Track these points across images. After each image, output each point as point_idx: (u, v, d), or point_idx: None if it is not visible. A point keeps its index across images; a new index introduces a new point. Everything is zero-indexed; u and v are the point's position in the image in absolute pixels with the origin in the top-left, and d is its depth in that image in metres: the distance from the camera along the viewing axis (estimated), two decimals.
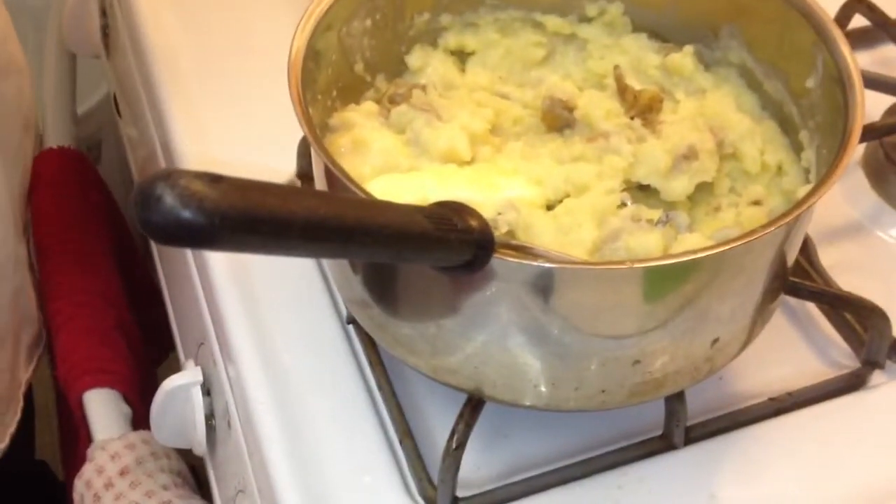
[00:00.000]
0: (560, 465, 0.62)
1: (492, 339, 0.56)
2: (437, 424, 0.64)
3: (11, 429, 0.92)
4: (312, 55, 0.62)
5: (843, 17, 0.84)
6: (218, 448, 0.74)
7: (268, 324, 0.69)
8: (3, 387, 0.90)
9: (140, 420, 0.85)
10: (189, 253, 0.77)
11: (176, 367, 0.76)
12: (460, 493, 0.60)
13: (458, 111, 0.66)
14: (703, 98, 0.68)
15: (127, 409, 0.86)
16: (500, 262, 0.51)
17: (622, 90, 0.68)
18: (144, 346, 0.99)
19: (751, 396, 0.65)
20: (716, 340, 0.58)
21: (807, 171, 0.64)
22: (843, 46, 0.61)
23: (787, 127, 0.66)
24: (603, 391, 0.58)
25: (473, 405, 0.59)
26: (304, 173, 0.76)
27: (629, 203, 0.62)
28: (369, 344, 0.67)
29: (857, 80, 0.59)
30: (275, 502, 0.61)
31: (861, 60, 0.61)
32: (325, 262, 0.71)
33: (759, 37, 0.68)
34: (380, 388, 0.65)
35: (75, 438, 0.90)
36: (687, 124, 0.65)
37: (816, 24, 0.63)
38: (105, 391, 0.87)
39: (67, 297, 0.93)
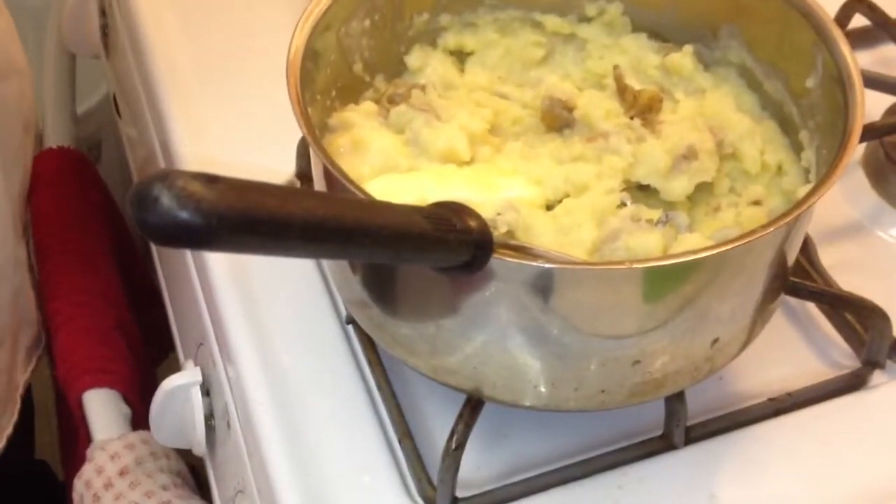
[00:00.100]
0: (560, 465, 0.62)
1: (491, 339, 0.56)
2: (437, 425, 0.64)
3: (8, 431, 0.92)
4: (311, 55, 0.62)
5: (843, 17, 0.84)
6: (217, 448, 0.74)
7: (267, 324, 0.69)
8: (1, 388, 0.90)
9: (139, 420, 0.85)
10: (188, 253, 0.77)
11: (175, 368, 0.76)
12: (460, 494, 0.60)
13: (457, 111, 0.66)
14: (703, 98, 0.68)
15: (126, 410, 0.86)
16: (500, 262, 0.51)
17: (622, 90, 0.68)
18: (144, 347, 0.99)
19: (751, 396, 0.65)
20: (716, 340, 0.58)
21: (807, 171, 0.64)
22: (844, 46, 0.61)
23: (787, 127, 0.66)
24: (603, 391, 0.58)
25: (473, 405, 0.59)
26: (304, 173, 0.76)
27: (629, 203, 0.62)
28: (369, 344, 0.67)
29: (858, 80, 0.59)
30: (274, 502, 0.61)
31: (861, 60, 0.61)
32: (325, 262, 0.71)
33: (758, 36, 0.68)
34: (379, 388, 0.65)
35: (75, 438, 0.90)
36: (686, 124, 0.65)
37: (816, 23, 0.63)
38: (104, 391, 0.87)
39: (67, 297, 0.93)
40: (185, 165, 0.79)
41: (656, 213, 0.61)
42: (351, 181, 0.54)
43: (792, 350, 0.68)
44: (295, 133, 0.64)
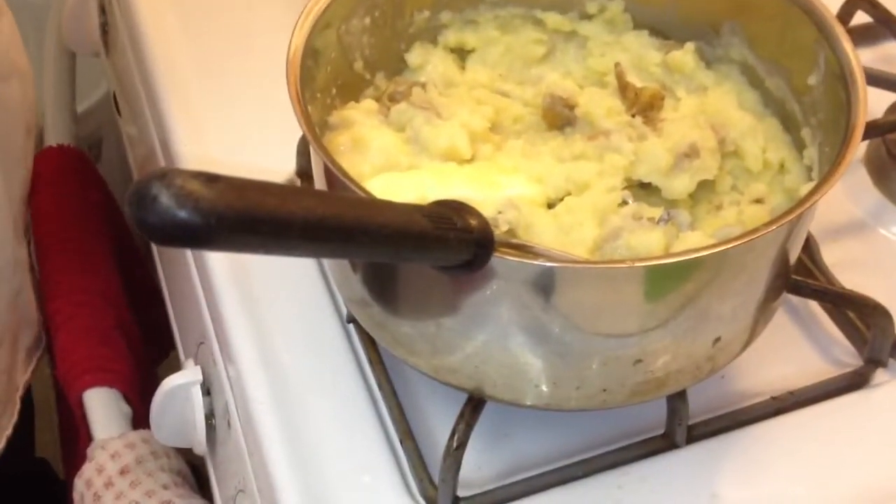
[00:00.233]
0: (561, 464, 0.62)
1: (492, 338, 0.55)
2: (438, 424, 0.64)
3: (8, 431, 0.92)
4: (311, 53, 0.62)
5: (845, 14, 0.83)
6: (218, 447, 0.74)
7: (267, 323, 0.69)
8: (0, 389, 0.90)
9: (140, 419, 0.85)
10: (189, 252, 0.77)
11: (176, 367, 0.76)
12: (461, 493, 0.60)
13: (457, 109, 0.65)
14: (705, 95, 0.68)
15: (127, 409, 0.86)
16: (501, 261, 0.51)
17: (623, 88, 0.68)
18: (144, 346, 0.99)
19: (753, 395, 0.65)
20: (718, 339, 0.57)
21: (809, 169, 0.63)
22: (846, 43, 0.61)
23: (789, 124, 0.66)
24: (604, 390, 0.58)
25: (474, 405, 0.59)
26: (304, 172, 0.76)
27: (630, 201, 0.62)
28: (369, 343, 0.67)
29: (860, 77, 0.59)
30: (275, 502, 0.61)
31: (863, 57, 0.61)
32: (325, 261, 0.71)
33: (760, 34, 0.67)
34: (380, 387, 0.65)
35: (75, 437, 0.90)
36: (688, 122, 0.64)
37: (818, 20, 0.62)
38: (105, 390, 0.87)
39: (67, 297, 0.93)
40: (184, 164, 0.79)
41: (658, 212, 0.60)
42: (351, 179, 0.54)
43: (794, 349, 0.68)
44: (295, 131, 0.64)
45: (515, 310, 0.54)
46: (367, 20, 0.67)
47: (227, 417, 0.69)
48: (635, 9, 0.71)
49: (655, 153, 0.62)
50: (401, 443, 0.63)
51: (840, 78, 0.60)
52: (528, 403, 0.59)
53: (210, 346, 0.72)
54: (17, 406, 0.93)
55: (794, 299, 0.69)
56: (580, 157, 0.64)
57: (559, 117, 0.67)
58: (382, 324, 0.60)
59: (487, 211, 0.55)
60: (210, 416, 0.73)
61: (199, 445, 0.74)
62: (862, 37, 0.84)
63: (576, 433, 0.63)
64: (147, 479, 0.77)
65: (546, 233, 0.59)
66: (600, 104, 0.66)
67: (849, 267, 0.71)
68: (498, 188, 0.61)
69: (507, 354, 0.56)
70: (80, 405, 0.86)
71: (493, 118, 0.67)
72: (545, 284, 0.53)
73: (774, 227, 0.53)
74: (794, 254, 0.60)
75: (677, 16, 0.71)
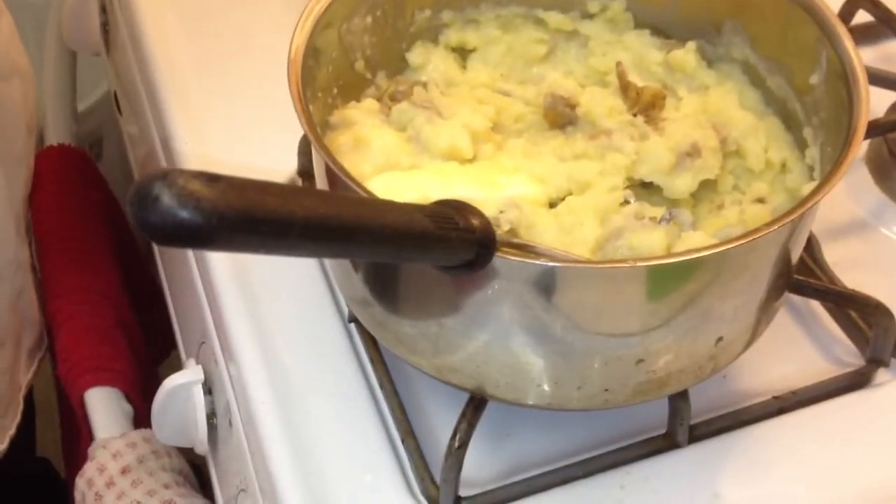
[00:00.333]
0: (563, 464, 0.62)
1: (494, 338, 0.55)
2: (440, 423, 0.64)
3: (11, 431, 0.92)
4: (312, 53, 0.62)
5: (846, 13, 0.83)
6: (219, 447, 0.74)
7: (269, 323, 0.69)
8: (2, 389, 0.90)
9: (141, 419, 0.85)
10: (190, 252, 0.77)
11: (177, 366, 0.76)
12: (463, 493, 0.60)
13: (459, 108, 0.65)
14: (706, 95, 0.68)
15: (128, 408, 0.86)
16: (503, 260, 0.51)
17: (624, 87, 0.68)
18: (145, 345, 0.99)
19: (755, 395, 0.65)
20: (719, 339, 0.57)
21: (811, 169, 0.63)
22: (847, 42, 0.61)
23: (791, 124, 0.66)
24: (606, 390, 0.58)
25: (476, 404, 0.59)
26: (305, 171, 0.76)
27: (632, 201, 0.62)
28: (371, 343, 0.67)
29: (862, 77, 0.59)
30: (276, 501, 0.61)
31: (864, 56, 0.61)
32: (327, 261, 0.71)
33: (762, 33, 0.67)
34: (381, 386, 0.65)
35: (77, 437, 0.90)
36: (690, 121, 0.64)
37: (820, 19, 0.62)
38: (106, 390, 0.87)
39: (68, 296, 0.93)
40: (185, 163, 0.79)
41: (659, 211, 0.60)
42: (353, 179, 0.54)
43: (796, 348, 0.68)
44: (296, 131, 0.64)
45: (517, 309, 0.54)
46: (369, 19, 0.67)
47: (228, 417, 0.69)
48: (637, 8, 0.71)
49: (657, 152, 0.62)
50: (402, 442, 0.63)
51: (842, 77, 0.60)
52: (530, 403, 0.59)
53: (211, 346, 0.72)
54: (21, 406, 0.93)
55: (796, 299, 0.69)
56: (582, 156, 0.64)
57: (560, 117, 0.67)
58: (384, 323, 0.60)
59: (489, 210, 0.55)
60: (211, 415, 0.73)
61: (201, 445, 0.74)
62: (863, 36, 0.84)
63: (577, 433, 0.63)
64: (148, 479, 0.77)
65: (548, 232, 0.59)
66: (602, 103, 0.66)
67: (850, 266, 0.71)
68: (499, 188, 0.61)
69: (508, 354, 0.56)
70: (82, 404, 0.86)
71: (495, 118, 0.67)
72: (547, 284, 0.53)
73: (776, 227, 0.52)
74: (796, 253, 0.60)
75: (678, 15, 0.70)
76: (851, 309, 0.68)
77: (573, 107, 0.67)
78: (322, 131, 0.63)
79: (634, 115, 0.66)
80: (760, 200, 0.62)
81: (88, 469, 0.79)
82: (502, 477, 0.62)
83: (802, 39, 0.63)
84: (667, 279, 0.54)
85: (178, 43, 0.88)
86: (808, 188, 0.60)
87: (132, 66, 0.92)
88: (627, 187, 0.62)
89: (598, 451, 0.62)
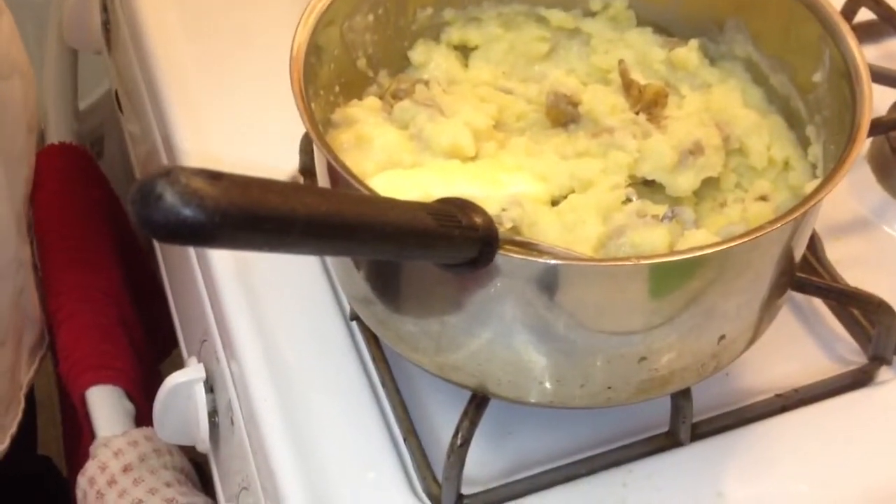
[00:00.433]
0: (565, 462, 0.62)
1: (496, 336, 0.55)
2: (442, 421, 0.64)
3: (12, 430, 0.92)
4: (314, 50, 0.61)
5: (848, 11, 0.83)
6: (221, 445, 0.74)
7: (270, 321, 0.69)
8: (4, 388, 0.90)
9: (143, 417, 0.85)
10: (191, 249, 0.77)
11: (179, 364, 0.76)
12: (465, 491, 0.60)
13: (461, 106, 0.65)
14: (709, 93, 0.68)
15: (130, 406, 0.86)
16: (505, 258, 0.51)
17: (627, 85, 0.68)
18: (147, 343, 0.99)
19: (757, 393, 0.65)
20: (722, 337, 0.57)
21: (814, 167, 0.63)
22: (851, 40, 0.60)
23: (794, 121, 0.66)
24: (609, 388, 0.57)
25: (478, 402, 0.59)
26: (307, 169, 0.76)
27: (634, 199, 0.61)
28: (373, 341, 0.67)
29: (865, 74, 0.59)
30: (278, 499, 0.61)
31: (867, 55, 0.61)
32: (329, 259, 0.71)
33: (764, 30, 0.67)
34: (383, 385, 0.65)
35: (79, 435, 0.89)
36: (692, 119, 0.64)
37: (823, 17, 0.62)
38: (108, 388, 0.87)
39: (69, 294, 0.93)
40: (187, 162, 0.79)
41: (662, 209, 0.60)
42: (355, 177, 0.54)
43: (798, 346, 0.68)
44: (298, 129, 0.63)
45: (519, 307, 0.54)
46: (371, 17, 0.67)
47: (230, 415, 0.69)
48: (639, 6, 0.71)
49: (659, 150, 0.62)
50: (404, 440, 0.63)
51: (845, 75, 0.60)
52: (532, 401, 0.59)
53: (213, 344, 0.72)
54: (22, 405, 0.93)
55: (799, 297, 0.69)
56: (584, 154, 0.64)
57: (563, 115, 0.67)
58: (386, 321, 0.60)
59: (491, 208, 0.55)
60: (213, 413, 0.73)
61: (203, 443, 0.74)
62: (865, 34, 0.84)
63: (580, 431, 0.63)
64: (150, 477, 0.77)
65: (550, 230, 0.59)
66: (604, 101, 0.66)
67: (853, 264, 0.71)
68: (501, 186, 0.61)
69: (511, 352, 0.56)
70: (83, 403, 0.86)
71: (497, 116, 0.67)
72: (549, 282, 0.53)
73: (779, 225, 0.52)
74: (799, 251, 0.60)
75: (681, 13, 0.70)
76: (854, 307, 0.68)
77: (575, 105, 0.67)
78: (324, 129, 0.63)
79: (637, 113, 0.66)
80: (763, 198, 0.62)
81: (90, 467, 0.79)
82: (504, 475, 0.62)
83: (805, 37, 0.63)
84: (669, 277, 0.54)
85: (180, 41, 0.88)
86: (810, 186, 0.59)
87: (133, 65, 0.92)
88: (630, 185, 0.62)
89: (600, 450, 0.62)
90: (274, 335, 0.68)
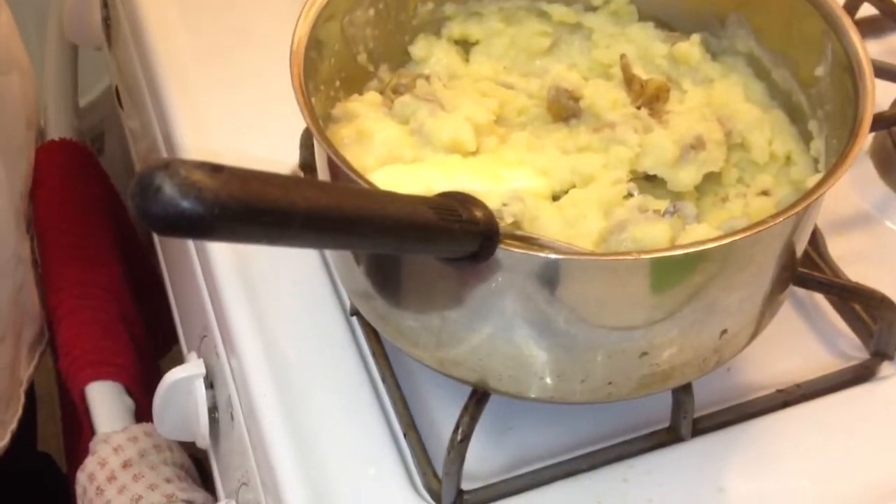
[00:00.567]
0: (566, 457, 0.62)
1: (497, 330, 0.55)
2: (442, 417, 0.63)
3: (12, 426, 0.92)
4: (315, 45, 0.61)
5: (850, 6, 0.83)
6: (221, 440, 0.74)
7: (270, 316, 0.69)
8: (4, 384, 0.90)
9: (143, 413, 0.85)
10: (191, 244, 0.77)
11: (179, 360, 0.76)
12: (465, 486, 0.60)
13: (462, 101, 0.65)
14: (711, 87, 0.67)
15: (130, 402, 0.86)
16: (506, 253, 0.51)
17: (628, 80, 0.68)
18: (147, 339, 0.98)
19: (759, 388, 0.65)
20: (724, 332, 0.57)
21: (816, 161, 0.63)
22: (853, 34, 0.60)
23: (796, 116, 0.66)
24: (609, 383, 0.57)
25: (478, 397, 0.59)
26: (307, 164, 0.75)
27: (636, 194, 0.61)
28: (373, 336, 0.66)
29: (868, 69, 0.59)
30: (278, 495, 0.61)
31: (869, 50, 0.61)
32: (329, 253, 0.71)
33: (766, 25, 0.67)
34: (384, 380, 0.65)
35: (78, 431, 0.89)
36: (694, 114, 0.64)
37: (825, 11, 0.62)
38: (108, 384, 0.87)
39: (69, 290, 0.93)
40: (187, 156, 0.79)
41: (663, 204, 0.60)
42: (355, 172, 0.54)
43: (800, 341, 0.68)
44: (298, 123, 0.63)
45: (520, 302, 0.54)
46: (371, 12, 0.67)
47: (230, 410, 0.69)
48: (640, 0, 0.71)
49: (661, 145, 0.62)
50: (404, 436, 0.62)
51: (847, 69, 0.59)
52: (533, 396, 0.58)
53: (213, 339, 0.72)
54: (22, 401, 0.93)
55: (801, 292, 0.69)
56: (585, 149, 0.64)
57: (564, 109, 0.67)
58: (386, 316, 0.60)
59: (492, 203, 0.55)
60: (213, 409, 0.73)
61: (202, 439, 0.74)
62: (868, 29, 0.84)
63: (580, 426, 0.63)
64: (150, 473, 0.77)
65: (551, 225, 0.59)
66: (605, 96, 0.66)
67: (855, 259, 0.71)
68: (503, 180, 0.61)
69: (511, 347, 0.56)
70: (83, 399, 0.86)
71: (498, 110, 0.67)
72: (550, 277, 0.52)
73: (781, 220, 0.52)
74: (801, 246, 0.59)
75: (682, 7, 0.70)
76: (856, 302, 0.68)
77: (577, 99, 0.67)
78: (324, 124, 0.63)
79: (638, 108, 0.66)
80: (765, 193, 0.62)
81: (90, 463, 0.79)
82: (505, 470, 0.62)
83: (807, 31, 0.63)
84: (671, 272, 0.54)
85: (180, 36, 0.88)
86: (812, 181, 0.59)
87: (134, 61, 0.92)
88: (631, 180, 0.62)
89: (601, 445, 0.62)
90: (274, 331, 0.68)
